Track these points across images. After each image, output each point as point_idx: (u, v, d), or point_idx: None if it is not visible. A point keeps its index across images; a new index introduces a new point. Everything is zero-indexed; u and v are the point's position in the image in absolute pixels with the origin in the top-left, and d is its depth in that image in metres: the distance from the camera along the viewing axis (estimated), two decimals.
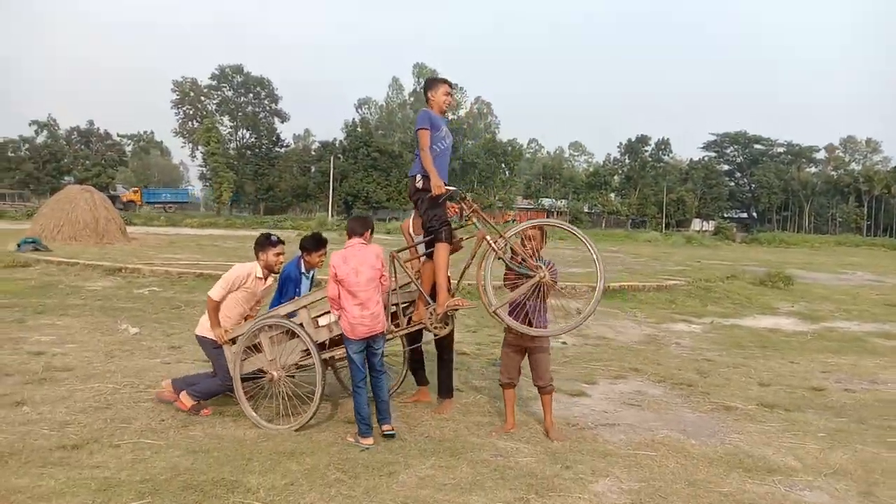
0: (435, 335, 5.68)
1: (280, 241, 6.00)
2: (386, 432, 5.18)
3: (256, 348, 5.65)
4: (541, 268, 5.31)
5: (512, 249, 5.42)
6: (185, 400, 5.71)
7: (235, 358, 5.64)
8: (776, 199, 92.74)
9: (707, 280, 16.64)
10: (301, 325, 5.48)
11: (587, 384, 7.26)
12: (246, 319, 5.98)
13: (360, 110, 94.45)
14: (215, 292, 5.77)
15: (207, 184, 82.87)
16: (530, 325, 5.34)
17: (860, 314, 14.00)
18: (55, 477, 4.20)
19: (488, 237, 5.43)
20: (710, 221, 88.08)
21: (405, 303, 5.92)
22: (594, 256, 5.23)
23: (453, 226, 5.95)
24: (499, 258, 5.46)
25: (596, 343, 9.66)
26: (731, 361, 8.83)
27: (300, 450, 4.83)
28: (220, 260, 17.20)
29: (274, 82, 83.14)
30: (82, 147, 76.67)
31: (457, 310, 5.65)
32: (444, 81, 5.88)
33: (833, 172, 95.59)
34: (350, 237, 5.37)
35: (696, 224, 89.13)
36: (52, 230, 20.57)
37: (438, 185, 5.48)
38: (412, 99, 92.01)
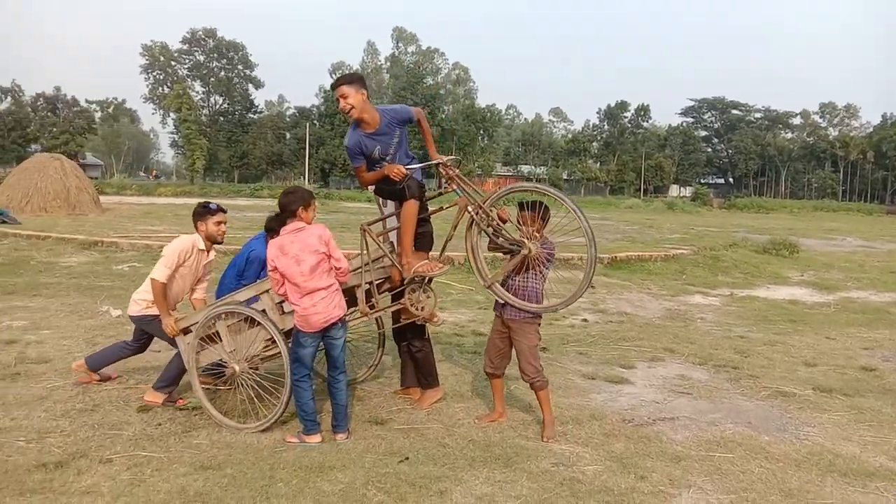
0: (416, 315, 4.95)
1: (221, 209, 5.39)
2: (340, 440, 4.49)
3: (214, 338, 4.91)
4: (526, 242, 4.63)
5: (497, 219, 4.74)
6: (153, 397, 5.11)
7: (190, 350, 4.93)
8: (753, 164, 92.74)
9: (712, 249, 16.09)
10: (264, 311, 4.75)
11: (624, 368, 6.61)
12: (195, 304, 5.39)
13: (333, 76, 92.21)
14: (160, 272, 5.07)
15: (179, 151, 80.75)
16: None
17: (872, 283, 13.57)
18: None
19: (470, 207, 4.75)
20: (688, 187, 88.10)
21: (380, 279, 5.12)
22: (584, 226, 4.56)
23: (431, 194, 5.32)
24: (482, 231, 4.80)
25: (618, 320, 9.01)
26: (766, 338, 8.24)
27: (328, 463, 4.09)
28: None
29: (248, 48, 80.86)
30: (49, 114, 73.96)
31: (425, 276, 4.88)
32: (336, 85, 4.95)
33: (809, 138, 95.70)
34: (285, 219, 4.59)
35: (674, 190, 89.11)
36: (21, 201, 19.37)
37: (396, 171, 4.74)
38: (388, 63, 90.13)
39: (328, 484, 3.81)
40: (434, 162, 4.92)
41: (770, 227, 29.73)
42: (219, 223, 5.32)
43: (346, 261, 4.61)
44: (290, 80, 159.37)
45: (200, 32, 78.75)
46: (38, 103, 74.21)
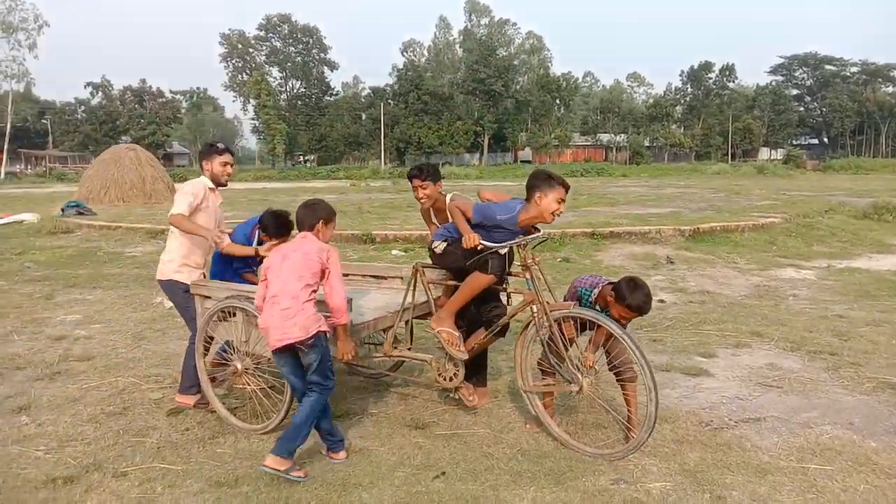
0: (445, 385, 4.38)
1: (227, 150, 4.98)
2: (268, 466, 3.63)
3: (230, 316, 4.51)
4: (579, 377, 3.93)
5: (556, 332, 3.98)
6: (183, 399, 4.83)
7: (204, 324, 4.55)
8: (850, 122, 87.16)
9: (805, 215, 14.81)
10: None
11: (704, 357, 5.89)
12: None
13: (405, 54, 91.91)
14: (181, 206, 4.56)
15: (261, 137, 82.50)
16: None
17: None
18: None
19: (535, 307, 4.06)
20: (779, 149, 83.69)
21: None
22: (645, 370, 3.70)
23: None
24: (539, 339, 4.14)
25: (699, 299, 8.20)
26: (868, 317, 7.30)
27: (354, 479, 3.64)
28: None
29: (321, 30, 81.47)
30: (136, 106, 76.85)
31: (448, 343, 4.28)
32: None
33: None
34: (299, 229, 4.01)
35: (764, 153, 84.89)
36: (100, 192, 19.89)
37: (471, 239, 4.00)
38: (461, 37, 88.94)
39: None
40: (517, 242, 4.14)
41: (870, 189, 27.51)
42: (225, 164, 4.93)
43: (343, 297, 3.85)
44: (363, 61, 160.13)
45: (275, 18, 79.77)
46: (126, 96, 77.14)
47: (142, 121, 75.16)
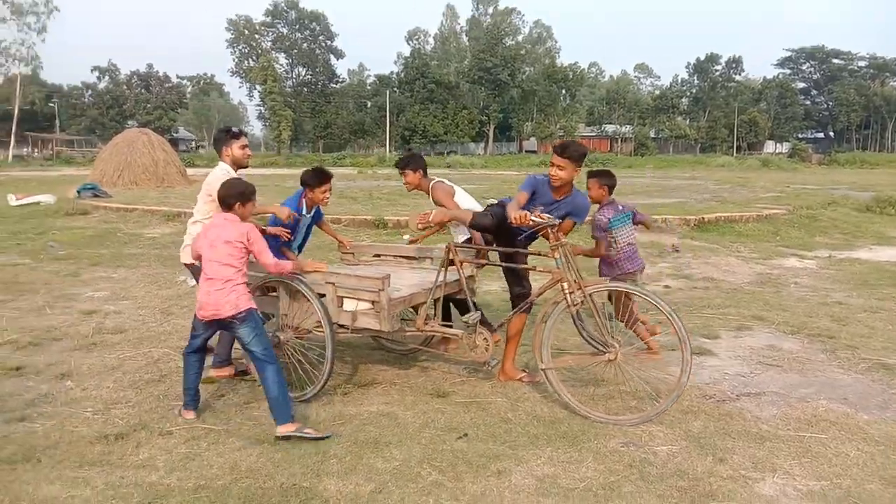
0: (473, 356, 4.78)
1: (243, 133, 5.22)
2: (280, 434, 3.91)
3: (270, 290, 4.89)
4: (616, 347, 4.33)
5: (593, 305, 4.37)
6: (219, 371, 5.07)
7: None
8: (856, 116, 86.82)
9: (809, 208, 15.06)
10: (323, 296, 4.56)
11: (708, 339, 6.17)
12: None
13: (410, 42, 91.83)
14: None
15: (266, 123, 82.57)
16: None
17: None
18: (92, 483, 3.43)
19: (566, 283, 4.36)
20: (784, 143, 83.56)
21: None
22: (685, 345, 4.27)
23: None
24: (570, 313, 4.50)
25: (704, 286, 8.49)
26: (867, 304, 7.58)
27: (385, 438, 3.95)
28: (281, 199, 16.47)
29: (329, 17, 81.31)
30: (142, 91, 76.94)
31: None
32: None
33: None
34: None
35: (770, 146, 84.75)
36: (113, 175, 20.20)
37: (521, 217, 4.29)
38: (468, 26, 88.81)
39: (382, 461, 3.66)
40: (547, 223, 4.40)
41: (874, 183, 27.69)
42: (243, 146, 5.13)
43: (271, 258, 4.31)
44: (369, 48, 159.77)
45: (283, 4, 79.65)
46: (133, 81, 77.19)
47: (148, 105, 75.21)
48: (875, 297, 7.98)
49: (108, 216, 13.66)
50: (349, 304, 4.59)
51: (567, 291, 4.35)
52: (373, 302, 4.44)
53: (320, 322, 4.52)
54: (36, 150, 67.97)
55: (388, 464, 3.63)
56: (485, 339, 4.63)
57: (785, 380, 5.11)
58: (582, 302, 4.34)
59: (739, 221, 12.98)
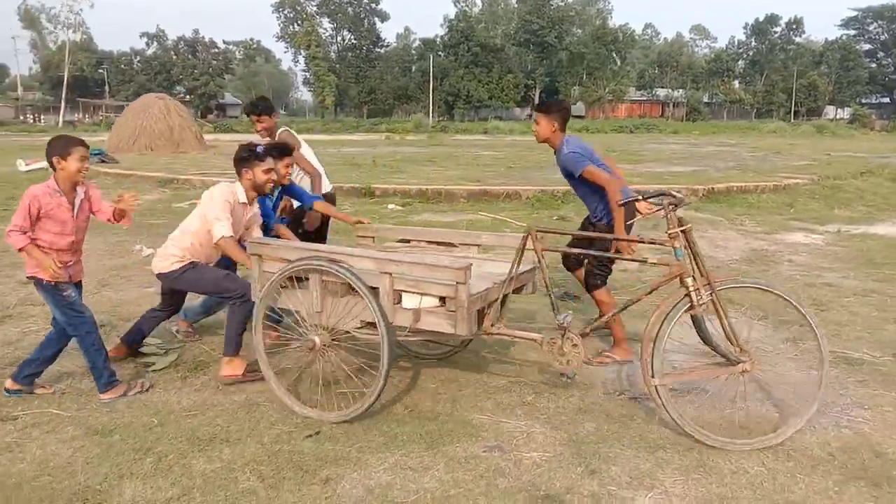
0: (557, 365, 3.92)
1: (269, 153, 4.40)
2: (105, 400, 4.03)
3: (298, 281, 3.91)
4: (743, 360, 3.67)
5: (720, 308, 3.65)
6: (230, 369, 4.30)
7: (266, 292, 3.90)
8: None
9: (836, 177, 14.04)
10: (377, 290, 3.65)
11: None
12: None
13: (458, 4, 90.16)
14: (222, 229, 4.17)
15: (311, 89, 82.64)
16: None
17: None
18: None
19: (690, 280, 3.63)
20: (846, 108, 79.69)
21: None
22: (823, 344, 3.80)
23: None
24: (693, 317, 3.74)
25: None
26: (860, 286, 6.86)
27: (225, 434, 3.57)
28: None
29: None
30: (189, 56, 77.69)
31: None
32: None
33: None
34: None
35: (830, 112, 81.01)
36: (129, 140, 20.26)
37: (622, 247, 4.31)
38: None
39: (204, 462, 3.29)
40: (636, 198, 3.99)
41: None
42: (268, 171, 4.29)
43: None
44: (416, 9, 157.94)
45: None
46: (180, 47, 77.97)
47: (195, 71, 75.98)
48: (873, 277, 7.23)
49: (105, 182, 13.56)
50: (409, 301, 3.68)
51: (692, 288, 3.63)
52: (444, 298, 3.57)
53: (365, 322, 3.75)
54: (87, 116, 69.52)
55: (209, 465, 3.26)
56: (574, 344, 3.83)
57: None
58: (710, 303, 3.63)
59: (754, 192, 12.13)
